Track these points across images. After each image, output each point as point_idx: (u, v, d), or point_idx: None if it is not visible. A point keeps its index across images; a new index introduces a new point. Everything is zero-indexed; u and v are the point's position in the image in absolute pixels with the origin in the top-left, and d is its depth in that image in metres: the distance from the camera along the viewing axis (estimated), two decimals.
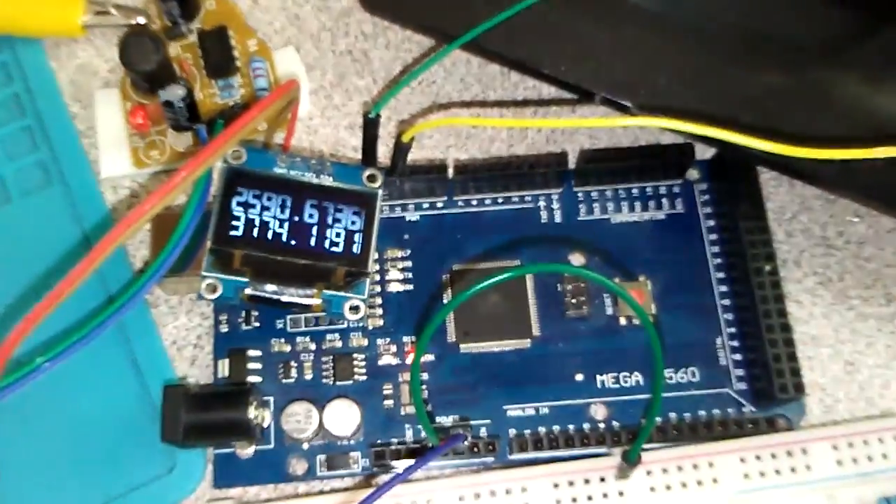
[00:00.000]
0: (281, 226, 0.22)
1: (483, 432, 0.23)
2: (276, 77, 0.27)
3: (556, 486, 0.22)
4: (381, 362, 0.24)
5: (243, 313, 0.24)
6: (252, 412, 0.22)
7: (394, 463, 0.22)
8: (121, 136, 0.26)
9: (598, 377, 0.24)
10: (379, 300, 0.24)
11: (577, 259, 0.25)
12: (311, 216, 0.23)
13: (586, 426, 0.23)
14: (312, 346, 0.24)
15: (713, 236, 0.25)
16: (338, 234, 0.23)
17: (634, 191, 0.25)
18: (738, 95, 0.22)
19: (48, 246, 0.25)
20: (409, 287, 0.24)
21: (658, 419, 0.23)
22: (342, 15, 0.28)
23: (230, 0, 0.28)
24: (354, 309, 0.23)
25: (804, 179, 0.23)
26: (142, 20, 0.27)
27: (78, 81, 0.27)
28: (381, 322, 0.24)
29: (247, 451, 0.23)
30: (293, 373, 0.23)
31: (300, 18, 0.28)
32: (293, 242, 0.22)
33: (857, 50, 0.23)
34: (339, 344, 0.24)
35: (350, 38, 0.28)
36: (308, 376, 0.24)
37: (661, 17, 0.24)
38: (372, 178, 0.23)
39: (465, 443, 0.22)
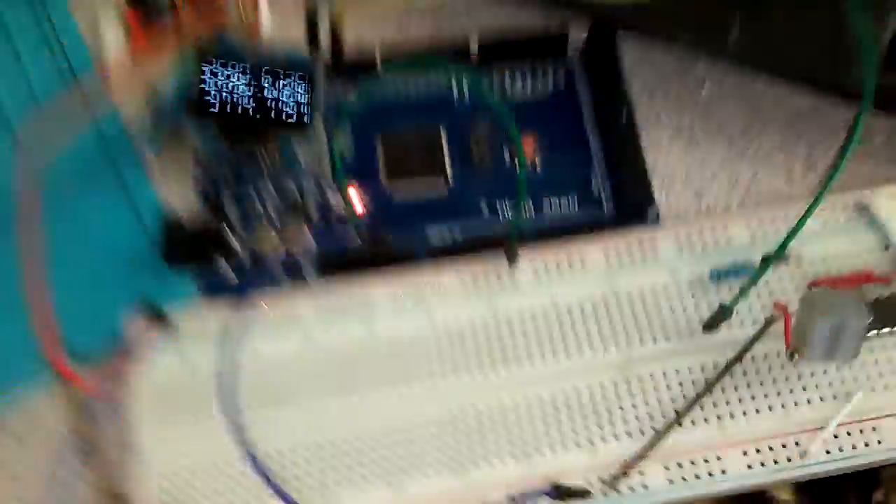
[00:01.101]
0: (246, 94, 0.28)
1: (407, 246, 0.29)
2: None
3: (462, 277, 0.27)
4: (330, 200, 0.30)
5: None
6: (228, 234, 0.28)
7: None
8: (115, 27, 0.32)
9: (500, 204, 0.29)
10: (326, 156, 0.30)
11: (481, 126, 0.31)
12: (267, 86, 0.29)
13: (478, 241, 0.29)
14: (272, 188, 0.30)
15: (587, 100, 0.31)
16: (288, 99, 0.29)
17: (527, 65, 0.31)
18: None
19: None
20: (350, 152, 0.30)
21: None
22: None
23: None
24: (305, 154, 0.29)
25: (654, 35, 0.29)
26: None
27: None
28: (327, 170, 0.30)
29: (225, 268, 0.29)
30: (259, 207, 0.29)
31: None
32: (254, 105, 0.28)
33: None
34: (293, 186, 0.30)
35: None
36: (271, 212, 0.29)
37: None
38: (312, 57, 0.29)
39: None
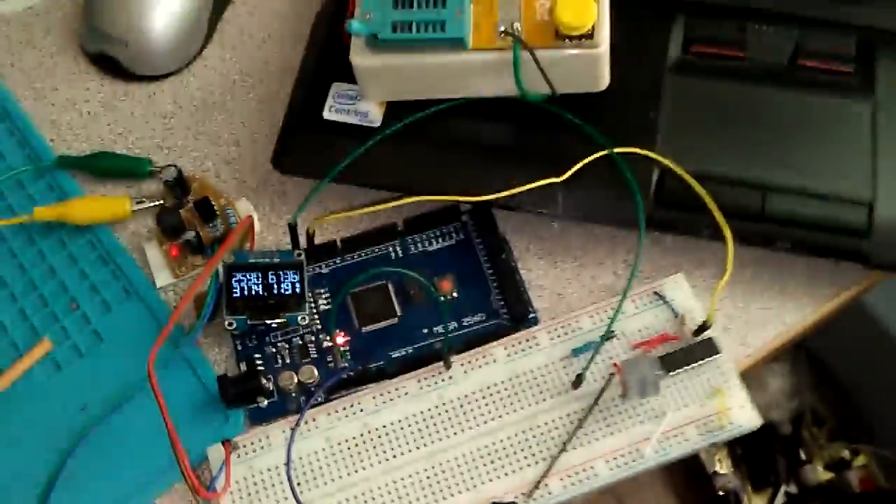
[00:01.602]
0: (258, 287, 0.44)
1: (374, 370, 0.44)
2: (239, 215, 0.49)
3: (419, 381, 0.43)
4: (323, 346, 0.45)
5: (247, 336, 0.45)
6: (263, 381, 0.43)
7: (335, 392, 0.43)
8: (162, 263, 0.48)
9: (436, 329, 0.45)
10: (317, 317, 0.46)
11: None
12: (272, 278, 0.44)
13: (425, 356, 0.44)
14: (286, 346, 0.45)
15: (480, 246, 0.47)
16: (287, 285, 0.44)
17: (437, 231, 0.47)
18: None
19: (140, 336, 0.46)
20: (330, 306, 0.46)
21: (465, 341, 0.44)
22: (270, 175, 0.50)
23: (205, 180, 0.50)
24: (303, 318, 0.44)
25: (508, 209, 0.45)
26: (162, 202, 0.49)
27: (133, 241, 0.49)
28: (319, 326, 0.46)
29: (264, 403, 0.44)
30: (279, 360, 0.45)
31: (246, 182, 0.50)
32: (265, 294, 0.44)
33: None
34: (300, 342, 0.45)
35: (276, 184, 0.49)
36: (287, 361, 0.45)
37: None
38: (299, 254, 0.45)
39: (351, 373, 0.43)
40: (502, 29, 0.41)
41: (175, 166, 0.47)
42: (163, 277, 0.46)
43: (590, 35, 0.40)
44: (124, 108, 0.51)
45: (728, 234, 0.41)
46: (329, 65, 0.46)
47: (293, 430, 0.41)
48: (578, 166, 0.42)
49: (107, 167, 0.49)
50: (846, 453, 1.05)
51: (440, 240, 0.46)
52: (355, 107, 0.45)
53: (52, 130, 0.51)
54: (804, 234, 0.42)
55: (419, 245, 0.46)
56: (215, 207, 0.47)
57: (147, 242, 0.47)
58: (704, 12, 0.46)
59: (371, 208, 0.44)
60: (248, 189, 0.49)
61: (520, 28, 0.40)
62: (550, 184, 0.42)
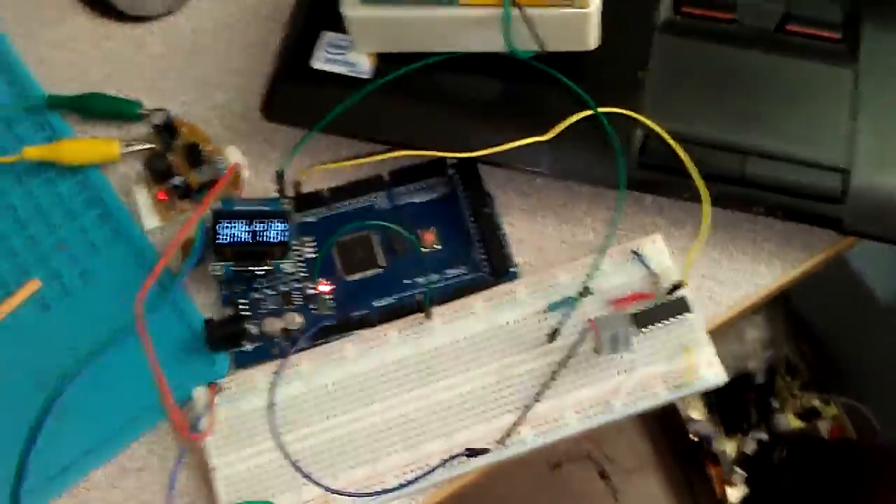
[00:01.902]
0: (245, 234, 0.45)
1: (357, 318, 0.45)
2: (227, 162, 0.49)
3: (400, 330, 0.44)
4: (307, 292, 0.46)
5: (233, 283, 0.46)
6: (248, 326, 0.44)
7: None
8: (151, 205, 0.48)
9: (418, 280, 0.46)
10: (303, 264, 0.47)
11: (396, 225, 0.47)
12: (259, 226, 0.45)
13: (407, 306, 0.45)
14: (271, 293, 0.46)
15: (464, 199, 0.48)
16: (274, 233, 0.45)
17: (423, 184, 0.48)
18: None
19: (127, 277, 0.46)
20: (315, 255, 0.47)
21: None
22: (259, 123, 0.50)
23: (194, 125, 0.50)
24: (288, 269, 0.45)
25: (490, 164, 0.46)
26: (152, 146, 0.49)
27: (121, 183, 0.49)
28: (305, 273, 0.46)
29: (248, 347, 0.45)
30: (263, 306, 0.46)
31: (235, 129, 0.50)
32: (252, 241, 0.44)
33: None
34: (285, 288, 0.46)
35: (264, 131, 0.50)
36: (272, 306, 0.46)
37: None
38: (285, 203, 0.46)
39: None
40: None
41: (164, 110, 0.47)
42: (150, 221, 0.47)
43: None
44: (115, 49, 0.51)
45: (706, 197, 0.42)
46: (319, 13, 0.46)
47: (275, 374, 0.42)
48: (563, 125, 0.43)
49: (97, 108, 0.49)
50: (818, 403, 1.08)
51: (425, 192, 0.47)
52: (345, 57, 0.45)
53: (41, 69, 0.51)
54: (780, 198, 0.43)
55: (405, 197, 0.47)
56: (203, 153, 0.47)
57: (136, 185, 0.47)
58: None
59: (359, 160, 0.45)
60: (238, 135, 0.49)
61: None
62: (536, 142, 0.42)
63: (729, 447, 1.11)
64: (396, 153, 0.43)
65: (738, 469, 1.09)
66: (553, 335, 0.42)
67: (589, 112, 0.43)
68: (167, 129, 0.47)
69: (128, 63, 0.50)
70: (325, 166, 0.46)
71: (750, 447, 1.11)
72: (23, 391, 0.42)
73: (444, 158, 0.46)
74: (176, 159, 0.47)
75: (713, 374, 0.41)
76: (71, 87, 0.50)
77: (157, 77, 0.50)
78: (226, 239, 0.43)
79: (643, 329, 0.41)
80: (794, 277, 0.45)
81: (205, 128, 0.49)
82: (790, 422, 1.14)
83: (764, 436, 1.11)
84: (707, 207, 0.42)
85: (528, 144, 0.42)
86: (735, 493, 1.10)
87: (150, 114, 0.47)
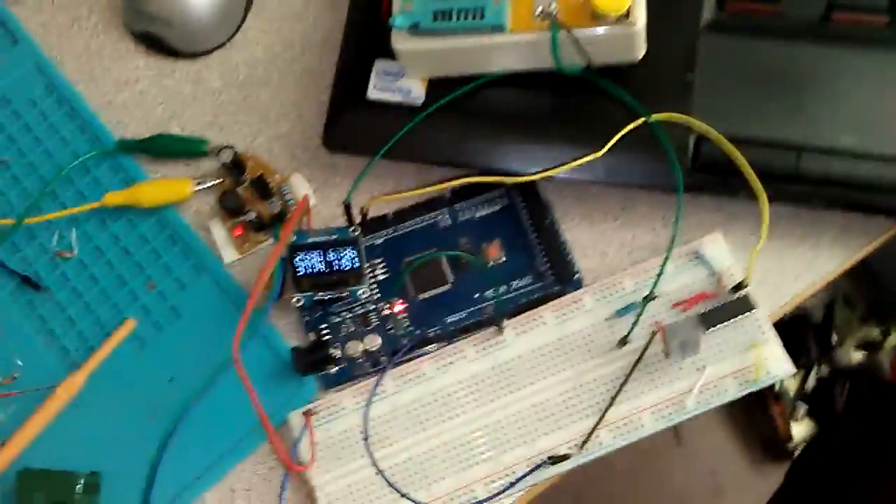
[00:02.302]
0: (320, 264, 0.47)
1: (433, 335, 0.48)
2: (294, 192, 0.51)
3: (475, 345, 0.46)
4: (383, 313, 0.49)
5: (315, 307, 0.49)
6: (332, 351, 0.47)
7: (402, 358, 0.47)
8: (227, 239, 0.51)
9: (487, 293, 0.48)
10: (375, 285, 0.49)
11: (462, 240, 0.49)
12: (332, 255, 0.47)
13: (478, 320, 0.47)
14: (349, 316, 0.49)
15: (524, 212, 0.49)
16: (347, 261, 0.47)
17: (483, 198, 0.50)
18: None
19: (214, 309, 0.49)
20: (387, 276, 0.49)
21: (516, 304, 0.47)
22: (320, 149, 0.52)
23: (258, 157, 0.52)
24: (363, 293, 0.47)
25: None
26: (221, 180, 0.52)
27: (196, 220, 0.52)
28: (378, 295, 0.49)
29: (333, 370, 0.48)
30: (343, 329, 0.48)
31: (297, 157, 0.53)
32: (327, 270, 0.47)
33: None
34: (361, 311, 0.49)
35: (326, 157, 0.52)
36: (351, 329, 0.48)
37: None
38: (354, 231, 0.48)
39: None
40: (539, 11, 0.42)
41: (231, 147, 0.50)
42: (229, 254, 0.49)
43: (626, 15, 0.41)
44: (174, 86, 0.53)
45: (763, 197, 0.43)
46: (370, 42, 0.48)
47: (364, 394, 0.45)
48: (616, 139, 0.44)
49: (165, 149, 0.51)
50: (877, 334, 1.08)
51: (486, 206, 0.49)
52: (398, 84, 0.47)
53: (107, 112, 0.53)
54: (838, 192, 0.44)
55: (466, 212, 0.49)
56: (271, 185, 0.50)
57: (211, 221, 0.50)
58: None
59: (419, 190, 0.47)
60: (300, 163, 0.51)
61: (556, 9, 0.41)
62: (591, 159, 0.43)
63: (790, 384, 1.12)
64: (456, 182, 0.45)
65: (800, 403, 1.10)
66: (623, 341, 0.44)
67: (641, 121, 0.44)
68: (235, 166, 0.49)
69: (189, 99, 0.53)
70: (389, 197, 0.48)
71: (811, 384, 1.13)
72: (135, 425, 0.46)
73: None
74: (246, 193, 0.50)
75: (781, 367, 0.43)
76: (138, 128, 0.52)
77: (219, 111, 0.52)
78: (303, 270, 0.45)
79: (710, 328, 0.43)
80: (854, 264, 0.46)
81: (269, 158, 0.51)
82: (851, 356, 1.14)
83: (825, 372, 1.12)
84: (765, 206, 0.43)
85: (586, 158, 0.43)
86: (799, 428, 1.11)
87: (218, 151, 0.49)
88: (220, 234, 0.49)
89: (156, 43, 0.53)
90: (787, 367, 0.43)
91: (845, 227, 0.46)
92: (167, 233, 0.50)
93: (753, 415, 1.12)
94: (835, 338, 1.08)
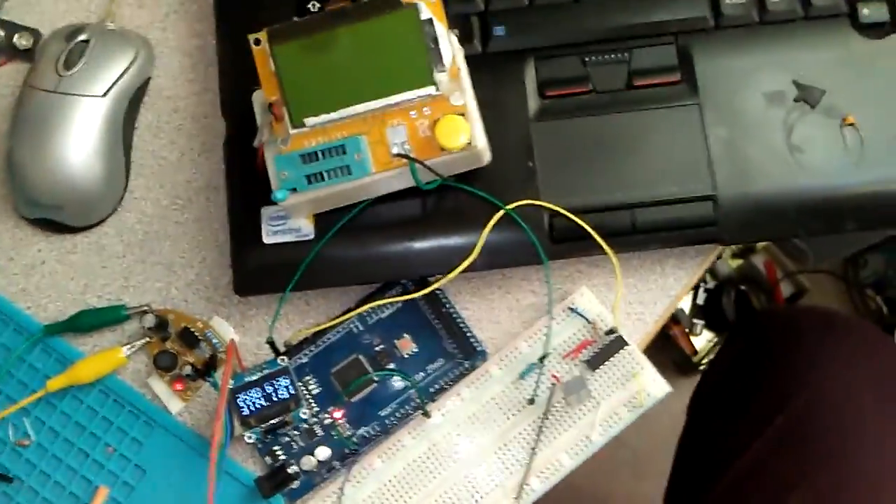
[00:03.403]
0: (260, 400, 0.54)
1: (372, 431, 0.56)
2: (217, 333, 0.57)
3: (409, 433, 0.54)
4: (325, 423, 0.56)
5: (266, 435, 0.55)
6: (290, 470, 0.54)
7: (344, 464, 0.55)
8: (170, 393, 0.57)
9: (408, 383, 0.56)
10: (311, 400, 0.56)
11: (376, 340, 0.57)
12: (269, 388, 0.54)
13: (407, 408, 0.55)
14: (297, 434, 0.55)
15: (423, 304, 0.57)
16: (283, 390, 0.54)
17: (386, 299, 0.57)
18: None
19: (171, 459, 0.56)
20: (320, 388, 0.56)
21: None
22: (228, 288, 0.58)
23: (177, 310, 0.58)
24: (304, 413, 0.54)
25: None
26: (149, 339, 0.57)
27: (136, 379, 0.58)
28: (317, 408, 0.56)
29: (296, 484, 0.55)
30: (295, 447, 0.55)
31: (212, 299, 0.59)
32: (268, 404, 0.54)
33: None
34: (306, 427, 0.55)
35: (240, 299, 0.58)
36: (301, 445, 0.55)
37: None
38: (282, 360, 0.54)
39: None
40: (395, 152, 0.49)
41: (149, 310, 0.55)
42: (175, 405, 0.55)
43: (468, 143, 0.48)
44: (79, 259, 0.58)
45: (612, 254, 0.52)
46: (253, 193, 0.54)
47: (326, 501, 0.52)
48: (483, 237, 0.52)
49: (89, 324, 0.56)
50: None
51: (389, 306, 0.56)
52: (288, 225, 0.54)
53: (24, 299, 0.58)
54: (669, 234, 0.53)
55: (373, 315, 0.56)
56: (196, 333, 0.56)
57: (150, 378, 0.56)
58: (547, 55, 0.54)
59: (335, 321, 0.54)
60: (215, 304, 0.57)
61: (409, 148, 0.49)
62: (469, 264, 0.51)
63: (684, 305, 1.25)
64: (364, 307, 0.52)
65: (696, 320, 1.24)
66: (532, 399, 0.53)
67: (500, 213, 0.52)
68: (158, 326, 0.55)
69: (97, 269, 0.58)
70: (309, 330, 0.54)
71: (701, 298, 1.26)
72: None
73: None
74: (175, 347, 0.55)
75: (659, 387, 0.53)
76: (57, 308, 0.57)
77: (128, 273, 0.58)
78: (248, 410, 0.52)
79: (595, 370, 0.52)
80: (696, 279, 0.56)
81: (186, 307, 0.57)
82: (729, 264, 1.28)
83: (712, 285, 1.25)
84: (615, 260, 0.52)
85: (464, 264, 0.51)
86: (700, 341, 1.25)
87: (139, 313, 0.55)
88: (161, 389, 0.55)
89: (52, 224, 0.58)
90: (663, 387, 0.53)
91: (683, 253, 0.56)
92: (112, 399, 0.55)
93: (660, 342, 1.25)
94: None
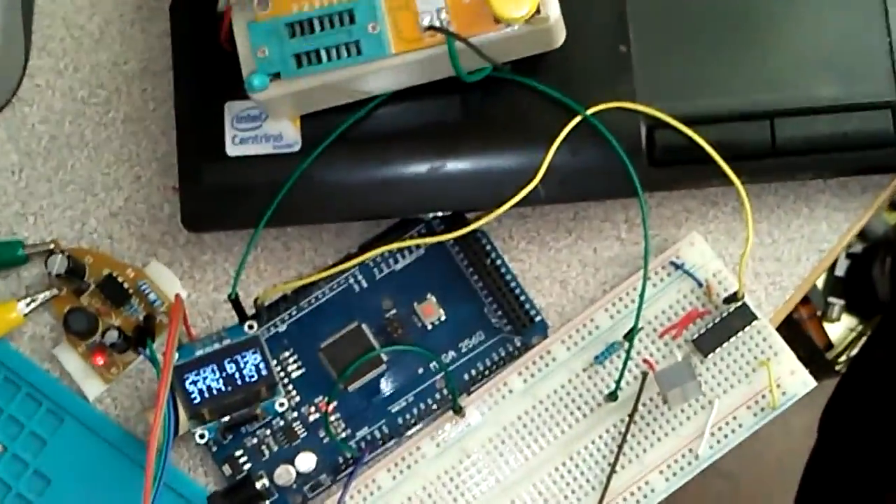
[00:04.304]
0: (218, 382, 0.54)
1: (378, 433, 0.55)
2: (157, 286, 0.57)
3: (433, 438, 0.54)
4: (310, 420, 0.56)
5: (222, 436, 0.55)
6: (258, 484, 0.54)
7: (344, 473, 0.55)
8: (85, 369, 0.57)
9: (432, 365, 0.56)
10: (291, 386, 0.56)
11: (386, 303, 0.56)
12: (231, 367, 0.54)
13: (430, 401, 0.55)
14: (269, 433, 0.55)
15: (457, 251, 0.56)
16: (250, 369, 0.54)
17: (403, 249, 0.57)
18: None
19: (89, 462, 0.56)
20: (303, 370, 0.56)
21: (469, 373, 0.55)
22: (175, 218, 0.57)
23: (99, 251, 0.58)
24: (281, 405, 0.54)
25: None
26: (55, 292, 0.57)
27: (37, 349, 0.57)
28: (298, 398, 0.56)
29: None
30: (266, 452, 0.55)
31: (147, 237, 0.58)
32: (229, 388, 0.54)
33: None
34: (282, 423, 0.56)
35: (190, 235, 0.57)
36: (275, 449, 0.55)
37: None
38: (251, 327, 0.54)
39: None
40: (427, 24, 0.48)
41: (57, 249, 0.55)
42: (93, 388, 0.55)
43: (536, 12, 0.47)
44: None
45: (739, 185, 0.51)
46: (212, 81, 0.53)
47: None
48: (551, 153, 0.51)
49: None
50: None
51: (406, 252, 0.55)
52: (263, 130, 0.53)
53: None
54: (825, 157, 0.52)
55: (383, 267, 0.55)
56: (125, 284, 0.55)
57: (57, 348, 0.55)
58: None
59: (327, 271, 0.53)
60: (156, 244, 0.57)
61: (448, 17, 0.48)
62: (528, 193, 0.51)
63: None
64: (372, 252, 0.52)
65: (833, 299, 1.22)
66: (613, 394, 0.52)
67: (577, 119, 0.51)
68: (70, 274, 0.54)
69: None
70: (289, 285, 0.54)
71: (842, 267, 1.24)
72: None
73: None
74: (95, 304, 0.55)
75: (800, 382, 0.52)
76: None
77: (27, 195, 0.57)
78: (199, 397, 0.52)
79: (708, 356, 0.52)
80: (862, 226, 0.55)
81: (111, 247, 0.56)
82: (885, 219, 1.26)
83: (858, 248, 1.23)
84: (743, 193, 0.51)
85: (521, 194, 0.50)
86: (838, 328, 1.23)
87: (43, 253, 0.55)
88: (73, 364, 0.55)
89: None
90: (806, 381, 0.52)
91: (842, 187, 0.55)
92: (1, 376, 0.55)
93: (780, 330, 1.23)
94: None
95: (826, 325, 1.19)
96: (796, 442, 0.70)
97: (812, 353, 1.21)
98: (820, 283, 1.21)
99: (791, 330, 1.25)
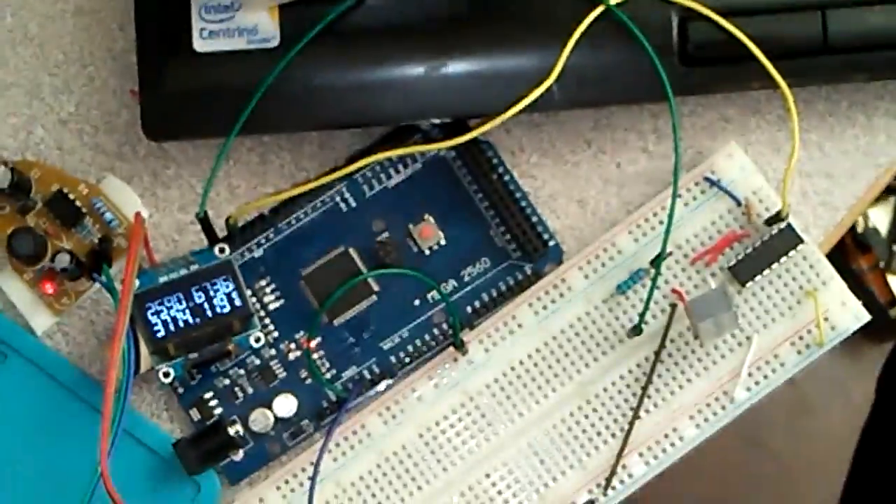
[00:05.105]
0: (184, 313, 0.54)
1: (368, 373, 0.56)
2: (114, 204, 0.58)
3: (430, 378, 0.55)
4: (290, 358, 0.57)
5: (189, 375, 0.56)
6: (231, 430, 0.55)
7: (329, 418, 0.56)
8: (33, 299, 0.58)
9: (429, 295, 0.57)
10: (268, 319, 0.57)
11: (377, 225, 0.57)
12: (199, 296, 0.55)
13: (427, 337, 0.56)
14: (243, 373, 0.57)
15: (459, 164, 0.57)
16: (222, 299, 0.55)
17: (393, 157, 0.57)
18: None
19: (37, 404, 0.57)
20: (282, 301, 0.57)
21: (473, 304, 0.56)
22: (133, 126, 0.58)
23: (47, 164, 0.59)
24: (257, 339, 0.55)
25: None
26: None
27: None
28: (276, 333, 0.57)
29: (239, 455, 0.56)
30: (240, 394, 0.56)
31: (101, 147, 0.59)
32: (198, 320, 0.54)
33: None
34: (258, 362, 0.57)
35: (146, 139, 0.58)
36: (250, 391, 0.57)
37: None
38: (222, 251, 0.55)
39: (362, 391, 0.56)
40: None
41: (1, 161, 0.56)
42: (41, 320, 0.56)
43: None
44: None
45: (785, 89, 0.52)
46: None
47: (291, 479, 0.53)
48: (568, 48, 0.52)
49: None
50: None
51: (400, 166, 0.56)
52: (236, 22, 0.53)
53: None
54: (885, 55, 0.53)
55: (374, 182, 0.56)
56: (77, 202, 0.56)
57: (1, 275, 0.56)
58: None
59: (307, 185, 0.54)
60: (109, 156, 0.57)
61: None
62: (542, 92, 0.51)
63: (878, 219, 1.23)
64: (361, 163, 0.52)
65: None
66: (637, 328, 0.53)
67: (598, 9, 0.52)
68: (14, 189, 0.55)
69: None
70: (265, 201, 0.55)
71: None
72: None
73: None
74: (43, 223, 0.56)
75: (851, 316, 0.53)
76: None
77: None
78: (164, 330, 0.53)
79: (746, 284, 0.53)
80: None
81: (61, 158, 0.57)
82: None
83: None
84: (789, 97, 0.51)
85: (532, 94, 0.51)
86: None
87: None
88: (19, 293, 0.56)
89: None
90: (859, 313, 0.53)
91: None
92: None
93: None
94: None
95: (890, 278, 1.19)
96: (851, 411, 0.71)
97: (874, 310, 1.21)
98: (883, 228, 1.21)
99: (849, 283, 1.25)
